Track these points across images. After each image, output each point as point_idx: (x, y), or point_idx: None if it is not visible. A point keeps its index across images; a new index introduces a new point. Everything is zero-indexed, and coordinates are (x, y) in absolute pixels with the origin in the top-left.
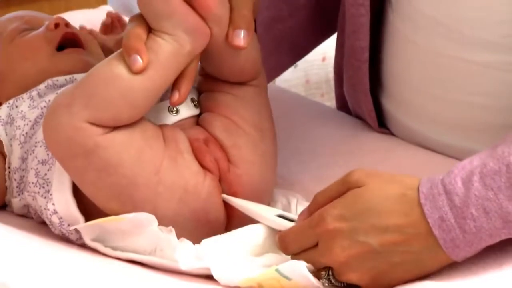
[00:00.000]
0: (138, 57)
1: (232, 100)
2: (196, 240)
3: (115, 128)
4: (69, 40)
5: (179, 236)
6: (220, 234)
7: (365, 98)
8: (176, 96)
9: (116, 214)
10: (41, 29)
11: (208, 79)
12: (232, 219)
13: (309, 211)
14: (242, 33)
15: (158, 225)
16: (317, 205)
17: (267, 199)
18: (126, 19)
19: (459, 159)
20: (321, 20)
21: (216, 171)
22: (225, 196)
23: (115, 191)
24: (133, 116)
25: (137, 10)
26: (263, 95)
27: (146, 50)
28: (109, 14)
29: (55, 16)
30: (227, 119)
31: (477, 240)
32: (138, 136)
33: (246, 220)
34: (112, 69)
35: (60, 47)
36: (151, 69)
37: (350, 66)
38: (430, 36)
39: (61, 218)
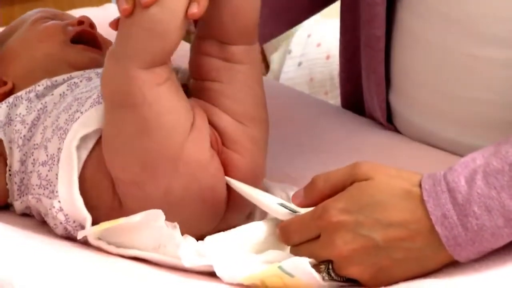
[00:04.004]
0: None
1: (220, 89)
2: (198, 227)
3: (162, 83)
4: (88, 39)
5: (183, 221)
6: (219, 219)
7: (378, 88)
8: (194, 8)
9: (130, 181)
10: (63, 22)
11: (200, 63)
12: (232, 204)
13: (306, 195)
14: None
15: (165, 213)
16: (318, 191)
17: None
18: None
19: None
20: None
21: (216, 148)
22: (228, 178)
23: (141, 155)
24: (171, 48)
25: None
26: (255, 76)
27: None
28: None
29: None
30: (214, 107)
31: (478, 239)
32: (179, 98)
33: (244, 207)
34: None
35: (79, 43)
36: None
37: (365, 55)
38: (440, 32)
39: (67, 215)
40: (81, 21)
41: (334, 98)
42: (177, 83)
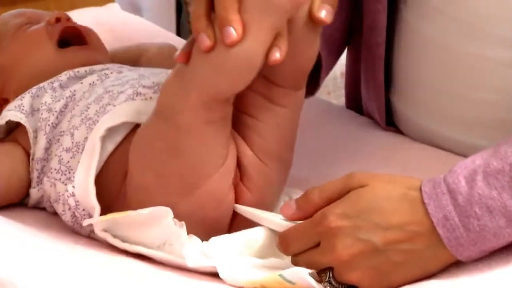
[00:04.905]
0: (232, 30)
1: (253, 126)
2: (200, 238)
3: (213, 122)
4: (72, 35)
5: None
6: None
7: (377, 94)
8: (275, 53)
9: (142, 186)
10: (42, 24)
11: (242, 95)
12: (234, 226)
13: (300, 207)
14: (328, 8)
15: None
16: (312, 204)
17: None
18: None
19: (468, 156)
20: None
21: (234, 183)
22: (236, 205)
23: (162, 171)
24: (239, 89)
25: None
26: (292, 121)
27: (240, 21)
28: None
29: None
30: (242, 141)
31: (481, 239)
32: (223, 136)
33: (247, 225)
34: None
35: (65, 43)
36: (247, 38)
37: (365, 60)
38: (445, 33)
39: (77, 201)
40: (58, 18)
41: (337, 98)
42: (228, 120)
